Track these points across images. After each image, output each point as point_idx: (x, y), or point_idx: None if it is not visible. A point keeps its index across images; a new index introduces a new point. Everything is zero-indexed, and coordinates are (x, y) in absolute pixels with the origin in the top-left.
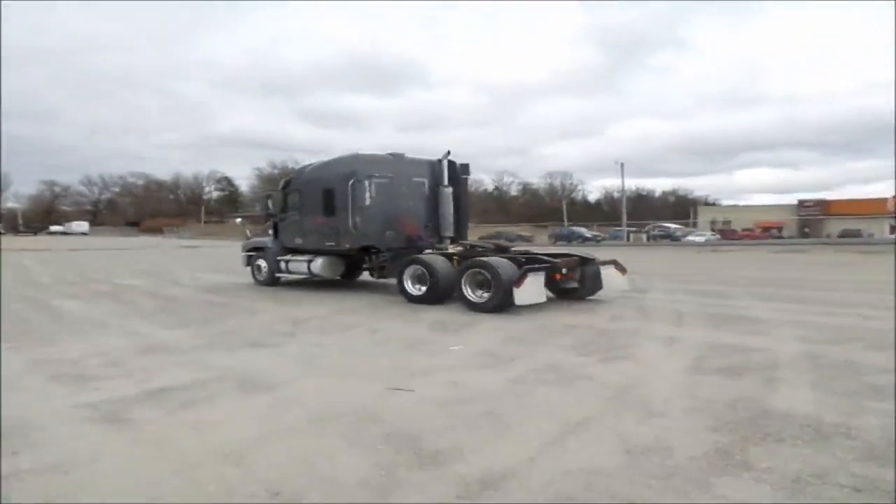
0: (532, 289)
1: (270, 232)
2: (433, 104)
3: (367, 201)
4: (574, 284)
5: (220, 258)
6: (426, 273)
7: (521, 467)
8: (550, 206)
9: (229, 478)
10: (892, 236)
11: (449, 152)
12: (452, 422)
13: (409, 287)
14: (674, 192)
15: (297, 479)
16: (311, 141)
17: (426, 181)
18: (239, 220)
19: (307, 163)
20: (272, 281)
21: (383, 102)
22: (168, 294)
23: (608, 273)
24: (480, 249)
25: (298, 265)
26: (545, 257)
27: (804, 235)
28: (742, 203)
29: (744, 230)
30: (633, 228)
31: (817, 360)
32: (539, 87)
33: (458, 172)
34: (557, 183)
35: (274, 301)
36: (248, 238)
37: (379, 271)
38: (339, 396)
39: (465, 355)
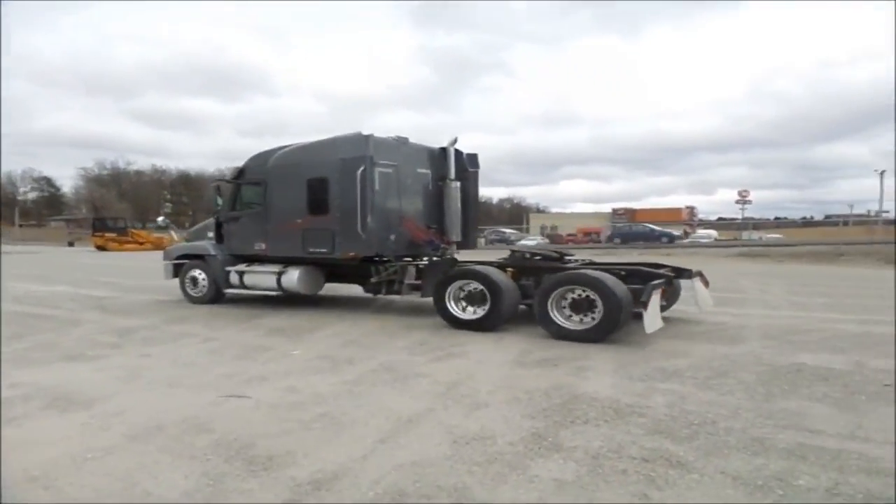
0: (657, 310)
1: (210, 234)
2: (275, 111)
3: (382, 196)
4: (663, 301)
5: (39, 265)
6: (486, 291)
7: (354, 465)
8: None
9: None
10: (687, 240)
11: (456, 139)
12: (287, 426)
13: (455, 309)
14: (509, 200)
15: (112, 499)
16: (145, 141)
17: (430, 173)
18: (161, 218)
19: (271, 147)
20: (215, 297)
21: (225, 107)
22: None
23: (697, 287)
24: (541, 258)
25: (261, 278)
26: (649, 269)
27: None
28: (567, 210)
29: (568, 235)
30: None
31: (617, 349)
32: (379, 99)
33: (466, 164)
34: None
35: (100, 311)
36: (175, 242)
37: (387, 286)
38: (165, 409)
39: (304, 360)
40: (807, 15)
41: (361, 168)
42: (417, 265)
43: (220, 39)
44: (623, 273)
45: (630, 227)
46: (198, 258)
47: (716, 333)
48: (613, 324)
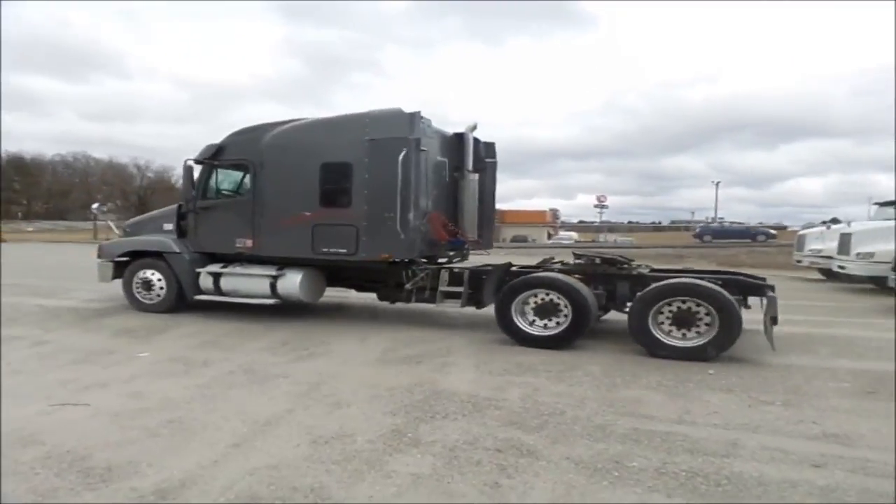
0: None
1: (167, 227)
2: (127, 94)
3: (423, 187)
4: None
5: None
6: (566, 303)
7: (204, 472)
8: None
9: None
10: (550, 241)
11: (475, 125)
12: (130, 434)
13: (523, 323)
14: None
15: None
16: None
17: (446, 162)
18: (96, 206)
19: (257, 123)
20: (176, 304)
21: (68, 87)
22: None
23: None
24: (624, 265)
25: (248, 283)
26: (746, 278)
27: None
28: None
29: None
30: None
31: (480, 345)
32: (243, 90)
33: (483, 154)
34: None
35: None
36: (115, 235)
37: (418, 294)
38: None
39: (153, 363)
40: (652, 38)
41: (403, 152)
42: (452, 269)
43: (66, 15)
44: (719, 283)
45: (721, 224)
46: (151, 256)
47: None
48: (730, 340)
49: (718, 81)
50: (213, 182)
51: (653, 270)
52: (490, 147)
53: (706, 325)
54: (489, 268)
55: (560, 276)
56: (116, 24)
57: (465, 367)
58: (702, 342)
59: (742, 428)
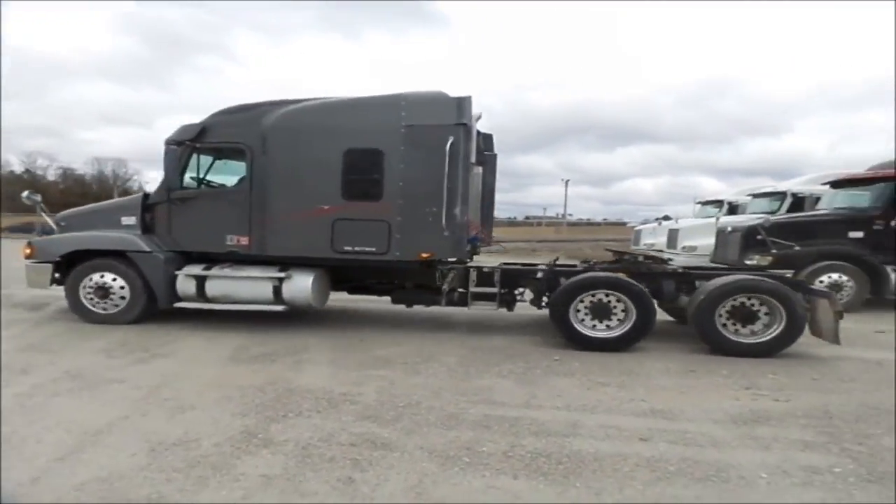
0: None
1: (127, 221)
2: None
3: (469, 179)
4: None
5: None
6: (629, 303)
7: (22, 491)
8: (100, 195)
9: None
10: None
11: (479, 115)
12: None
13: (581, 326)
14: None
15: None
16: None
17: None
18: (26, 193)
19: (257, 101)
20: (143, 313)
21: None
22: None
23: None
24: (667, 262)
25: (245, 286)
26: (790, 277)
27: None
28: None
29: None
30: None
31: (337, 340)
32: (71, 66)
33: (482, 147)
34: (109, 171)
35: None
36: (49, 229)
37: (447, 296)
38: None
39: None
40: (504, 41)
41: (451, 140)
42: (481, 268)
43: None
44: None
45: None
46: (105, 256)
47: (430, 321)
48: (793, 337)
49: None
50: (192, 168)
51: (685, 269)
52: (488, 139)
53: (779, 321)
54: (524, 267)
55: (621, 275)
56: None
57: (321, 363)
58: (769, 337)
59: (582, 409)
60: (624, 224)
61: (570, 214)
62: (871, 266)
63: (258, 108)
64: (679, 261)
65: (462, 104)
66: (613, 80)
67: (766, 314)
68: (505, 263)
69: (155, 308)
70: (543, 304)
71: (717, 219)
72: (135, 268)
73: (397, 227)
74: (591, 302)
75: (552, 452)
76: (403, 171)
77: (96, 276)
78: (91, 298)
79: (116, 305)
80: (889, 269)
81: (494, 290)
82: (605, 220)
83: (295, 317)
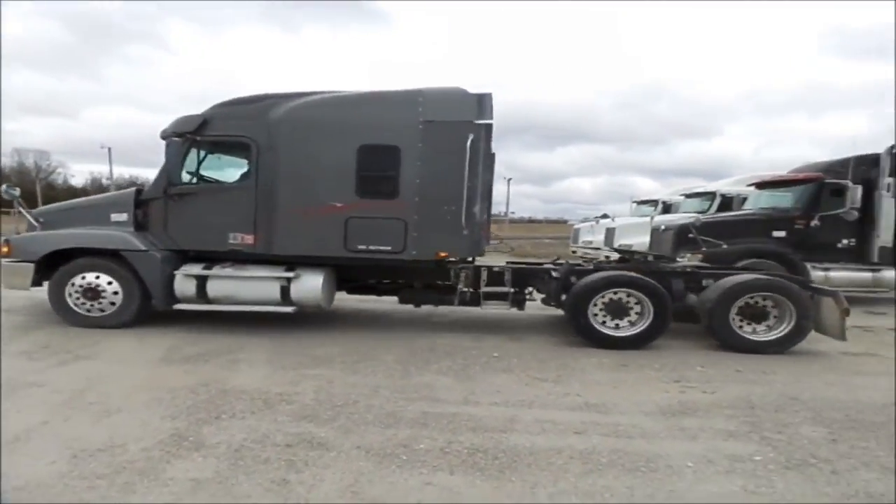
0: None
1: (118, 217)
2: None
3: (488, 178)
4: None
5: None
6: (647, 302)
7: None
8: (22, 188)
9: None
10: None
11: None
12: None
13: (598, 324)
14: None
15: None
16: None
17: None
18: (4, 187)
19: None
20: (137, 316)
21: None
22: None
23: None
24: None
25: (251, 287)
26: (794, 277)
27: None
28: None
29: None
30: None
31: (274, 339)
32: None
33: None
34: (31, 163)
35: None
36: (30, 226)
37: (459, 297)
38: None
39: None
40: (445, 42)
41: (471, 138)
42: (492, 268)
43: None
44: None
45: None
46: (94, 255)
47: (368, 320)
48: (801, 335)
49: (504, 87)
50: (191, 163)
51: (694, 268)
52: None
53: (788, 318)
54: (535, 267)
55: (638, 274)
56: None
57: (257, 362)
58: (780, 336)
59: (519, 404)
60: (565, 222)
61: (513, 212)
62: (793, 263)
63: (263, 100)
64: (615, 257)
65: (483, 101)
66: (553, 82)
67: (776, 312)
68: (511, 263)
69: (149, 310)
70: (553, 303)
71: (652, 218)
72: (128, 267)
73: (414, 225)
74: (607, 301)
75: (489, 448)
76: (421, 169)
77: (88, 276)
78: (78, 300)
79: (104, 309)
80: (808, 266)
81: (505, 289)
82: (546, 218)
83: (229, 317)
